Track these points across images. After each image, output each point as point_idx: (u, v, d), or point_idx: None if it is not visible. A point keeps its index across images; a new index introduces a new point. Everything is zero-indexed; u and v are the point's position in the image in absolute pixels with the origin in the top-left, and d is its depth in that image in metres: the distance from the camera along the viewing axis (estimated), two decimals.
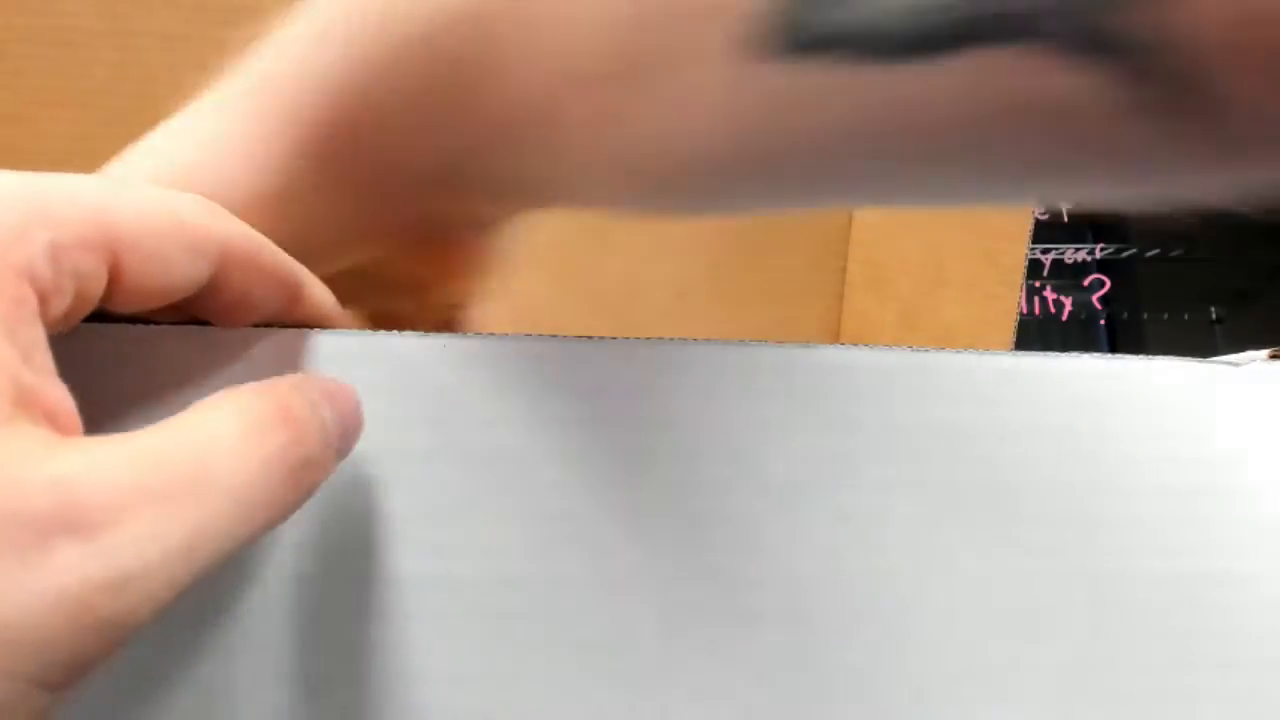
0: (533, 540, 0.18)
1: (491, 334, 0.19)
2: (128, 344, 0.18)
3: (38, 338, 0.14)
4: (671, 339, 0.19)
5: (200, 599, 0.18)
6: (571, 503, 0.18)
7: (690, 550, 0.19)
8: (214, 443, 0.14)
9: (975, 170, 0.16)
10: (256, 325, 0.18)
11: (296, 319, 0.19)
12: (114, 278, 0.15)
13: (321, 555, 0.18)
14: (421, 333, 0.19)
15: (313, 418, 0.15)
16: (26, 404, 0.13)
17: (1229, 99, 0.12)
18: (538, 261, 0.45)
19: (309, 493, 0.15)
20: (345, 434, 0.17)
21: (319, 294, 0.19)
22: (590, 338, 0.19)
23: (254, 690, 0.18)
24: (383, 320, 0.22)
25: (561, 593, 0.18)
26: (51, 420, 0.13)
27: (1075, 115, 0.13)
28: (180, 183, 0.18)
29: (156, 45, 0.40)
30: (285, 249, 0.18)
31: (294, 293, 0.18)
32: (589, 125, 0.17)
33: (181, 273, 0.16)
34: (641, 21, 0.15)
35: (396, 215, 0.21)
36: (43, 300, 0.14)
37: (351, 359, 0.18)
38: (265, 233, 0.18)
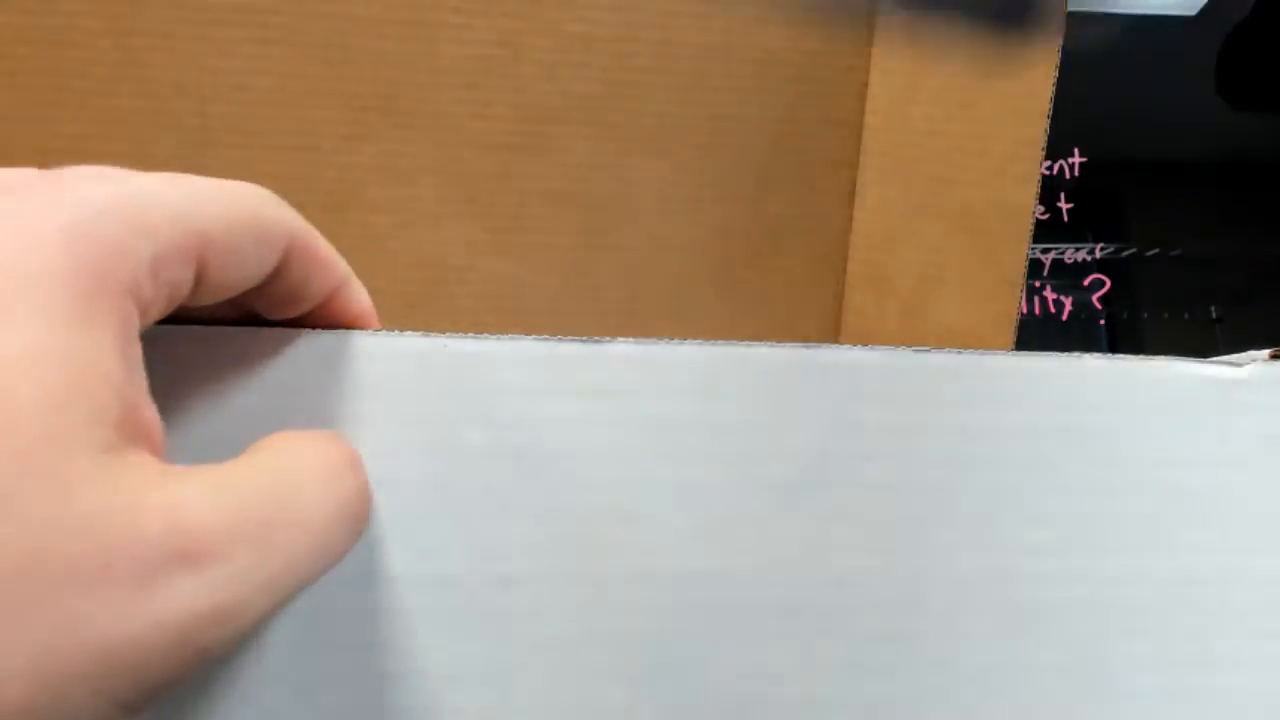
0: (532, 540, 0.18)
1: (491, 334, 0.19)
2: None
3: (138, 356, 0.13)
4: (671, 339, 0.19)
5: None
6: (571, 502, 0.18)
7: (689, 550, 0.19)
8: (300, 483, 0.14)
9: None
10: (299, 318, 0.18)
11: (337, 313, 0.19)
12: (198, 279, 0.15)
13: None
14: (422, 333, 0.19)
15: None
16: (134, 426, 0.13)
17: None
18: (538, 262, 0.45)
19: (360, 536, 0.16)
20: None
21: (359, 291, 0.19)
22: (590, 338, 0.19)
23: (252, 690, 0.18)
24: None
25: (560, 592, 0.18)
26: (149, 442, 0.13)
27: None
28: None
29: (156, 45, 0.40)
30: None
31: (341, 285, 0.18)
32: None
33: (255, 267, 0.16)
34: None
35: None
36: (143, 315, 0.14)
37: (352, 358, 0.18)
38: None
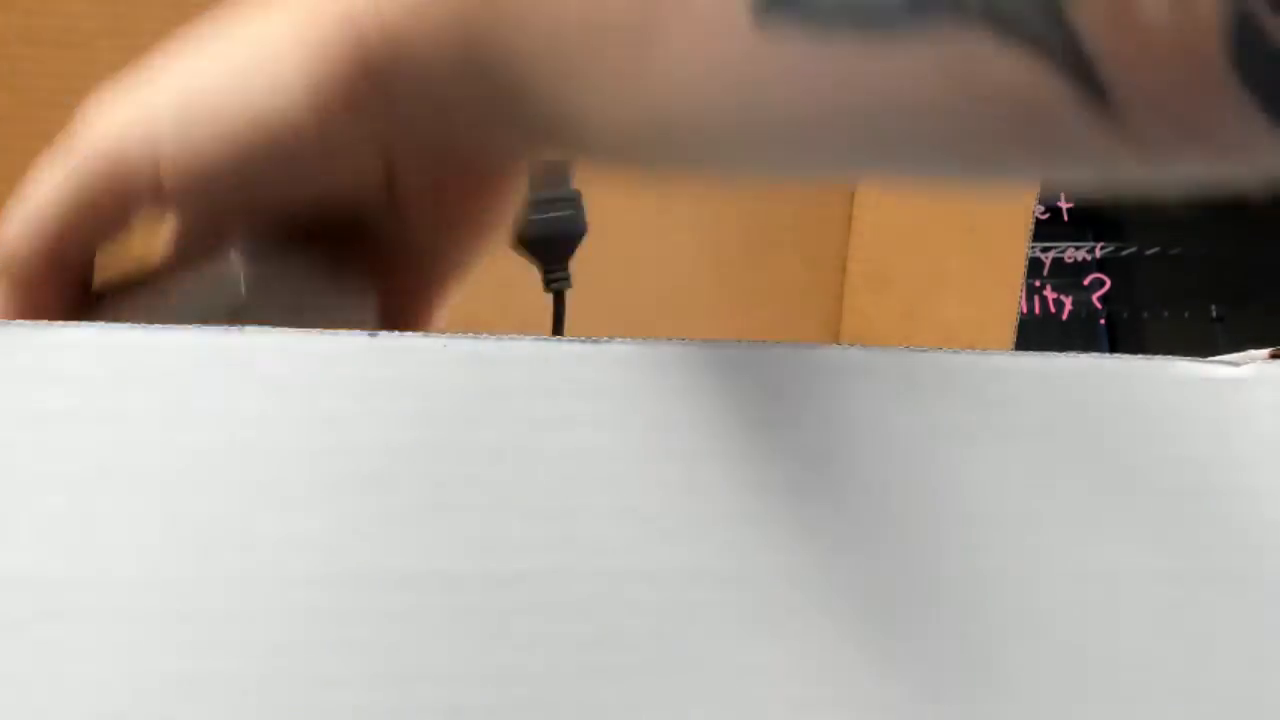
0: (530, 539, 0.18)
1: (491, 335, 0.19)
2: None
3: None
4: (671, 339, 0.19)
5: (200, 598, 0.18)
6: (569, 502, 0.18)
7: (689, 550, 0.19)
8: None
9: (931, 151, 0.16)
10: None
11: None
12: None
13: (320, 554, 0.18)
14: (422, 333, 0.19)
15: None
16: None
17: (1125, 96, 0.13)
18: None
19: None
20: None
21: None
22: (591, 338, 0.19)
23: (253, 690, 0.18)
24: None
25: (559, 591, 0.18)
26: None
27: (1019, 104, 0.14)
28: (222, 83, 0.21)
29: (156, 45, 0.40)
30: (309, 169, 0.20)
31: None
32: (609, 70, 0.18)
33: None
34: None
35: (427, 140, 0.21)
36: None
37: (351, 359, 0.18)
38: (296, 147, 0.20)
